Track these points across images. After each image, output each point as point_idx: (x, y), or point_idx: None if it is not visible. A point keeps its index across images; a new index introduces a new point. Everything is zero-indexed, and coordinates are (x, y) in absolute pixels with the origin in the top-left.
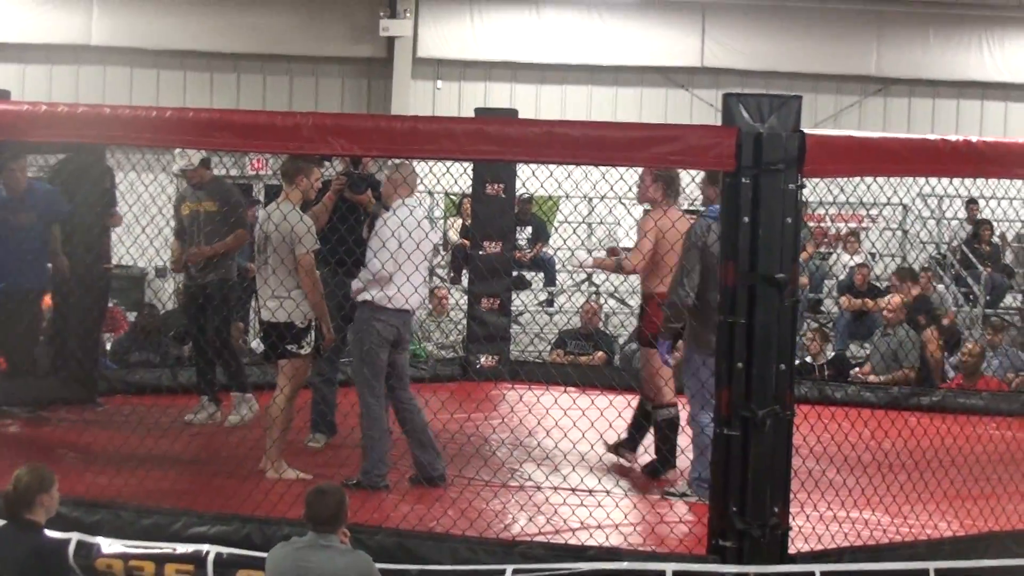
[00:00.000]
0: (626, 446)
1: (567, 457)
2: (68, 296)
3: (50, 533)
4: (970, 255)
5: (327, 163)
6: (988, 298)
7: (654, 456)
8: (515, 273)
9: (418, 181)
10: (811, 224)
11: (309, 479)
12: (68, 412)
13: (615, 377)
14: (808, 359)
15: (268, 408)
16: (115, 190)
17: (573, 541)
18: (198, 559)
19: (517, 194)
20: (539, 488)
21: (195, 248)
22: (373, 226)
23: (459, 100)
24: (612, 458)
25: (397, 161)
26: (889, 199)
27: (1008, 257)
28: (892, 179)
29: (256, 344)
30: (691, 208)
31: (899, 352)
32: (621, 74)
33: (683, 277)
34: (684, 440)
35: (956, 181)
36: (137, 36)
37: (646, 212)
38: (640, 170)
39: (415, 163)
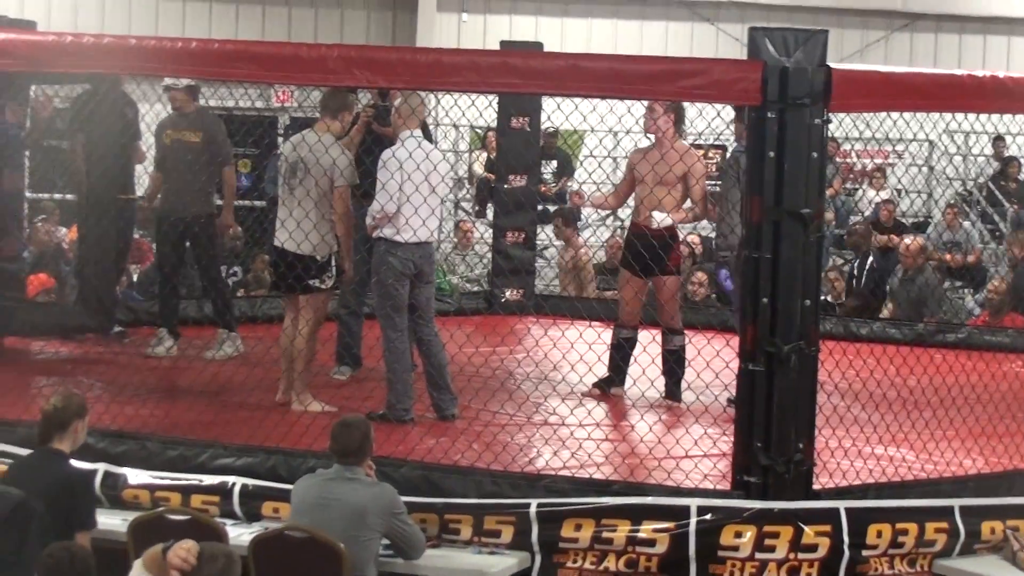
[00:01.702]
0: (614, 381)
1: (591, 391)
2: (92, 227)
3: (75, 463)
4: (996, 192)
5: (354, 95)
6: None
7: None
8: (540, 207)
9: (426, 112)
10: (838, 160)
11: (334, 411)
12: (95, 343)
13: (642, 313)
14: (830, 298)
15: (287, 341)
16: (139, 122)
17: (598, 475)
18: (224, 491)
19: (542, 127)
20: (564, 422)
21: (224, 220)
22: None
23: (484, 33)
24: (636, 393)
25: (407, 92)
26: (915, 135)
27: None
28: (918, 115)
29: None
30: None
31: (926, 298)
32: (647, 7)
33: (730, 207)
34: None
35: (983, 117)
36: None
37: (653, 148)
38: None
39: (440, 95)
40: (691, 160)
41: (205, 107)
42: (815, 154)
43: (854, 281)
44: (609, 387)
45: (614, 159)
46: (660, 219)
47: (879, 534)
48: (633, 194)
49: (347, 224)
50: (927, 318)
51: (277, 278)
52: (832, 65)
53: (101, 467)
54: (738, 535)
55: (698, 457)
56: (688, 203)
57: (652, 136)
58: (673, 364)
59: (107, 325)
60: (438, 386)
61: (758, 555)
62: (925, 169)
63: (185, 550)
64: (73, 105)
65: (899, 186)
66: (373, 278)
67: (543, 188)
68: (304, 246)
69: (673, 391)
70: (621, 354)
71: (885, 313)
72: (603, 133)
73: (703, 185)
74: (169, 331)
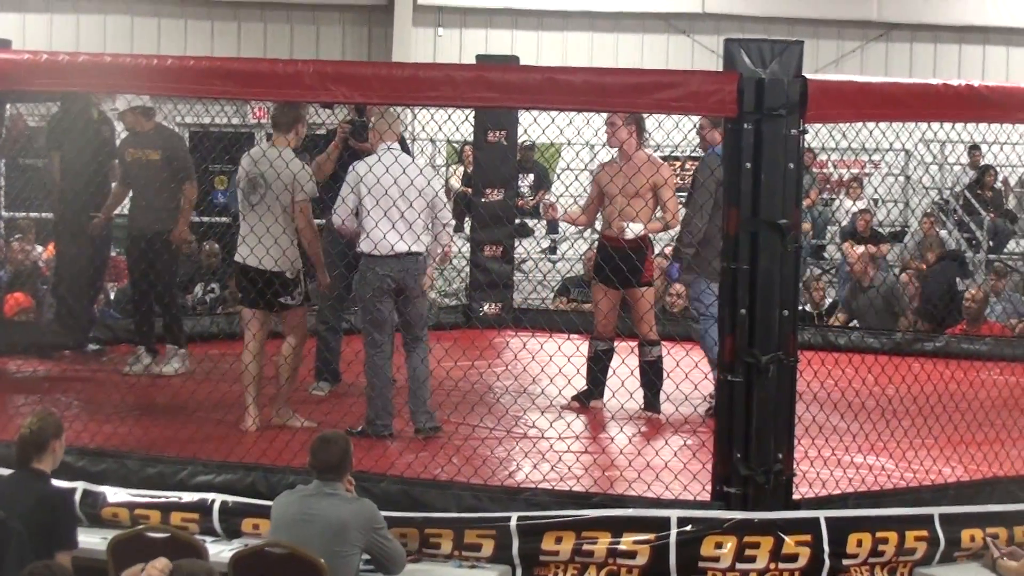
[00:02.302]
0: (593, 393)
1: (571, 404)
2: (69, 246)
3: (56, 482)
4: (973, 201)
5: (330, 111)
6: (991, 244)
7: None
8: (517, 220)
9: (402, 127)
10: (814, 170)
11: (314, 427)
12: (72, 361)
13: (617, 324)
14: (808, 307)
15: (258, 362)
16: (115, 140)
17: (578, 488)
18: (204, 507)
19: (519, 141)
20: (543, 435)
21: (178, 230)
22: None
23: (460, 47)
24: (615, 405)
25: (383, 108)
26: (891, 145)
27: (1011, 203)
28: (894, 124)
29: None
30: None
31: (891, 302)
32: (622, 20)
33: (699, 210)
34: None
35: (958, 126)
36: None
37: (618, 161)
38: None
39: (416, 110)
40: (665, 172)
41: (163, 124)
42: (792, 165)
43: None
44: (588, 400)
45: (591, 172)
46: (635, 231)
47: (859, 543)
48: (603, 208)
49: (311, 237)
50: (899, 321)
51: (243, 295)
52: (808, 76)
53: (80, 485)
54: (718, 546)
55: (678, 468)
56: (659, 212)
57: (615, 149)
58: (651, 376)
59: (82, 342)
60: (415, 397)
61: (739, 566)
62: (901, 179)
63: (158, 569)
64: (50, 123)
65: (876, 196)
66: (355, 293)
67: (520, 202)
68: (266, 261)
69: (652, 402)
70: (599, 366)
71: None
72: (580, 146)
73: (674, 193)
74: (147, 349)
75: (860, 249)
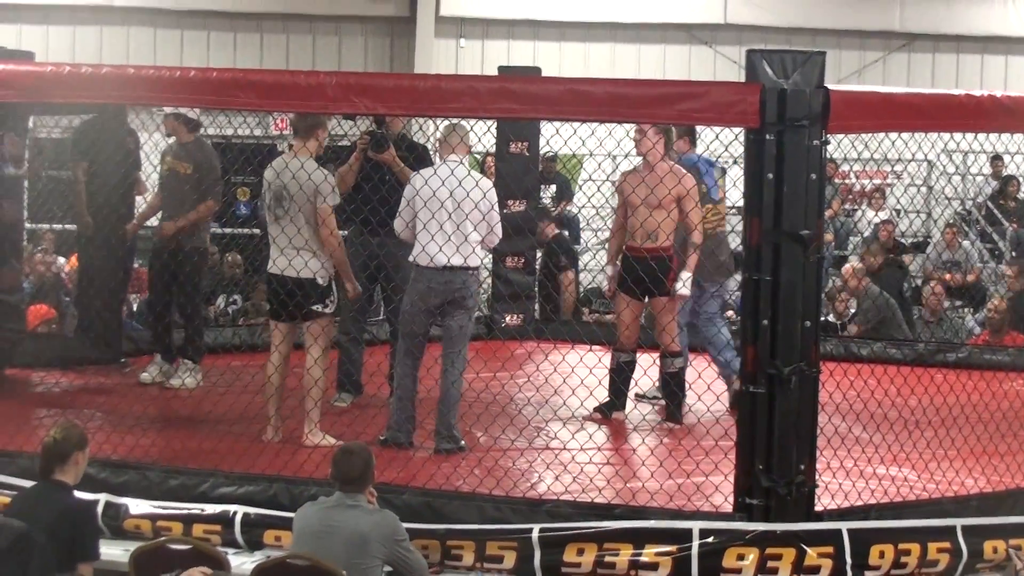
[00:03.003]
0: (616, 405)
1: (593, 416)
2: (93, 258)
3: (78, 494)
4: (995, 211)
5: (352, 122)
6: (1014, 254)
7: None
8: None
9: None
10: (836, 181)
11: (335, 443)
12: (95, 373)
13: (640, 335)
14: (831, 318)
15: (279, 374)
16: (140, 151)
17: (599, 500)
18: (226, 519)
19: (541, 152)
20: (565, 447)
21: (163, 224)
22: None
23: (482, 58)
24: (637, 416)
25: (453, 122)
26: (914, 155)
27: None
28: (917, 135)
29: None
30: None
31: (884, 317)
32: (644, 31)
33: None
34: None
35: (981, 137)
36: None
37: (643, 171)
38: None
39: (439, 121)
40: (687, 183)
41: (203, 138)
42: (814, 176)
43: None
44: (610, 412)
45: (613, 183)
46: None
47: (881, 555)
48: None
49: (334, 244)
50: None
51: (278, 305)
52: (830, 86)
53: (102, 497)
54: (740, 558)
55: (700, 480)
56: (694, 238)
57: (638, 159)
58: (673, 387)
59: (115, 356)
60: (440, 419)
61: None
62: (924, 189)
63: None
64: (74, 134)
65: (898, 206)
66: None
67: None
68: (304, 272)
69: (674, 414)
70: (621, 378)
71: None
72: (602, 157)
73: (698, 207)
74: (163, 357)
75: (855, 263)
